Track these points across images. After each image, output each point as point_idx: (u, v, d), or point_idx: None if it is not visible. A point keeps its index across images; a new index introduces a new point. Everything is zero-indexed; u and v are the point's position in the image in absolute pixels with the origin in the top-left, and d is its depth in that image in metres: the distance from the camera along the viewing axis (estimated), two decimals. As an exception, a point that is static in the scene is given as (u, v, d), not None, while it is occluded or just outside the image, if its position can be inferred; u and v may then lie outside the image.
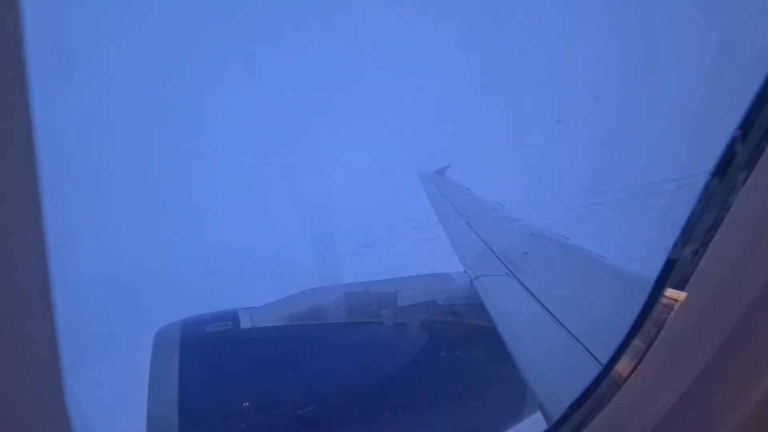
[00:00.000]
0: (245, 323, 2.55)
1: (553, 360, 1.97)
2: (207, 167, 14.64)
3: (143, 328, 2.57)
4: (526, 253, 3.11)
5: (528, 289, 2.59)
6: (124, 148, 13.80)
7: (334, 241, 11.12)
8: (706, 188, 0.92)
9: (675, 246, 0.97)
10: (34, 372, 0.70)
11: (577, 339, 1.98)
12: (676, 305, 0.95)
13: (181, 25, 15.95)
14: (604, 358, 1.14)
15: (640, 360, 1.01)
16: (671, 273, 0.99)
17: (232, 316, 2.58)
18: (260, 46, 16.58)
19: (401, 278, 3.00)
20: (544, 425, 1.42)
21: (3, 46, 0.60)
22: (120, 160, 13.41)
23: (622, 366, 1.06)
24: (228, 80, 16.15)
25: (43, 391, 0.72)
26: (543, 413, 1.62)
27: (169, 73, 15.50)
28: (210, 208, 13.35)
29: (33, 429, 0.72)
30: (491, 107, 16.74)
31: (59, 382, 0.72)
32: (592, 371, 1.18)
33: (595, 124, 14.86)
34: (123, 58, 14.89)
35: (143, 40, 15.11)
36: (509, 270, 2.88)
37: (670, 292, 0.97)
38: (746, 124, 0.88)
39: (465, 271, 3.07)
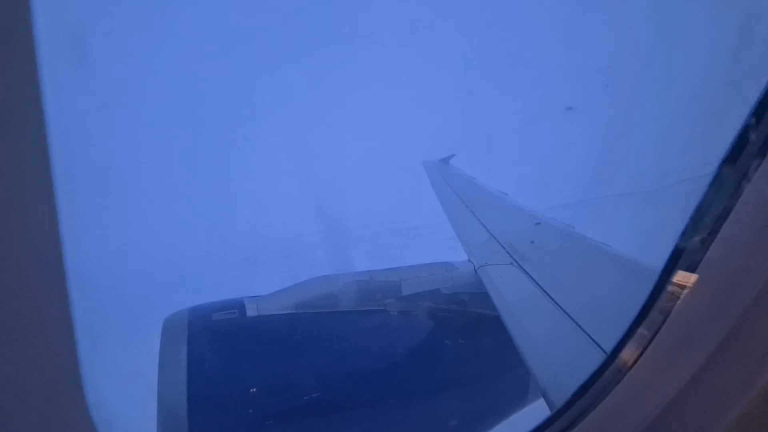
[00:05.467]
0: (251, 311, 2.58)
1: (557, 348, 1.98)
2: (218, 161, 14.67)
3: (154, 315, 2.61)
4: (531, 242, 3.10)
5: (532, 278, 2.59)
6: (138, 138, 13.86)
7: (337, 231, 11.15)
8: (718, 175, 0.91)
9: (684, 233, 0.97)
10: (54, 360, 0.72)
11: (581, 327, 1.98)
12: (684, 292, 0.95)
13: (195, 15, 15.83)
14: (609, 346, 1.14)
15: (645, 348, 1.01)
16: (680, 260, 0.98)
17: (239, 305, 2.61)
18: (271, 36, 16.44)
19: (406, 267, 3.01)
20: (548, 412, 1.43)
21: (14, 36, 0.60)
22: (134, 151, 13.47)
23: (627, 354, 1.06)
24: (237, 73, 16.09)
25: (62, 378, 0.74)
26: (546, 400, 1.63)
27: (180, 63, 15.45)
28: (219, 199, 13.42)
29: (53, 415, 0.74)
30: (498, 94, 16.50)
31: (77, 369, 0.74)
32: (597, 359, 1.19)
33: (606, 112, 14.61)
34: (138, 46, 14.83)
35: (158, 27, 15.02)
36: (513, 259, 2.88)
37: (679, 276, 0.96)
38: (759, 112, 0.86)
39: (469, 260, 3.08)
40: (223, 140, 15.19)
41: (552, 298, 2.31)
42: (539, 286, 2.48)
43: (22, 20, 0.60)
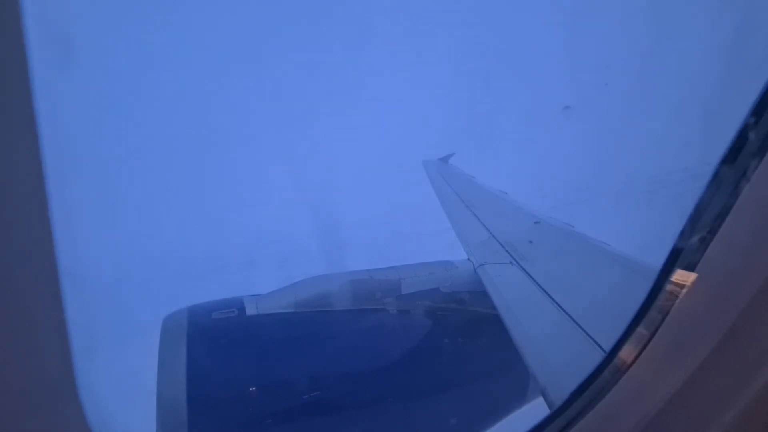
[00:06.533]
0: (251, 310, 2.58)
1: (556, 347, 1.98)
2: (213, 160, 14.62)
3: (151, 315, 2.61)
4: (530, 241, 3.10)
5: (531, 277, 2.59)
6: (129, 139, 13.82)
7: (336, 230, 11.15)
8: (716, 175, 0.91)
9: (683, 231, 0.97)
10: (46, 361, 0.72)
11: (580, 326, 1.98)
12: (683, 291, 0.95)
13: (186, 14, 15.77)
14: (608, 345, 1.14)
15: (644, 347, 1.01)
16: (679, 259, 0.98)
17: (238, 303, 2.61)
18: (265, 36, 16.38)
19: (405, 266, 3.01)
20: (547, 411, 1.43)
21: (4, 38, 0.59)
22: (126, 151, 13.44)
23: (626, 353, 1.06)
24: (232, 73, 16.03)
25: (55, 380, 0.73)
26: (545, 399, 1.63)
27: (175, 63, 15.39)
28: (214, 199, 13.39)
29: (46, 417, 0.74)
30: (497, 93, 16.49)
31: (71, 370, 0.74)
32: (596, 358, 1.19)
33: (604, 111, 14.61)
34: (128, 46, 14.78)
35: (149, 28, 14.96)
36: (513, 258, 2.88)
37: (678, 275, 0.96)
38: (758, 111, 0.86)
39: (469, 259, 3.08)
40: (221, 141, 15.16)
41: (551, 297, 2.31)
42: (538, 284, 2.48)
43: (11, 20, 0.59)
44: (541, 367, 1.83)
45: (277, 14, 16.82)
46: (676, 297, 0.96)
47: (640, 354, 1.02)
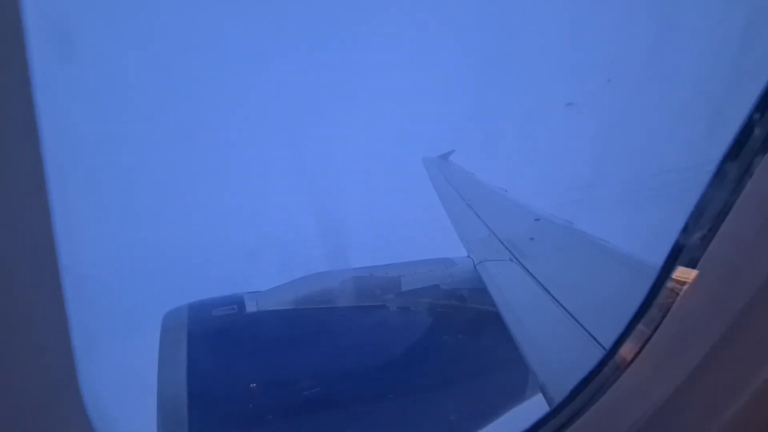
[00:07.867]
0: (251, 307, 2.58)
1: (555, 344, 1.98)
2: (213, 157, 14.57)
3: (150, 312, 2.61)
4: (531, 239, 3.09)
5: (531, 274, 2.59)
6: (132, 136, 13.77)
7: (337, 227, 11.15)
8: (719, 171, 0.90)
9: (685, 228, 0.96)
10: (48, 359, 0.72)
11: (580, 324, 1.98)
12: (683, 288, 0.95)
13: (188, 10, 15.68)
14: (608, 342, 1.14)
15: (644, 344, 1.01)
16: (680, 256, 0.98)
17: (238, 300, 2.61)
18: (267, 34, 16.30)
19: (405, 263, 3.01)
20: (546, 408, 1.43)
21: (4, 35, 0.59)
22: (128, 149, 13.40)
23: (626, 350, 1.06)
24: (235, 70, 15.96)
25: (56, 378, 0.73)
26: (545, 396, 1.63)
27: (177, 61, 15.31)
28: (215, 196, 13.36)
29: (48, 415, 0.74)
30: (499, 89, 16.41)
31: (72, 368, 0.74)
32: (596, 355, 1.19)
33: (607, 108, 14.55)
34: (129, 40, 14.70)
35: (151, 23, 14.89)
36: (513, 255, 2.87)
37: (679, 272, 0.96)
38: (762, 107, 0.86)
39: (468, 256, 3.07)
40: (222, 138, 15.11)
41: (551, 294, 2.31)
42: (538, 282, 2.48)
43: (11, 16, 0.59)
44: (540, 364, 1.83)
45: (278, 12, 16.73)
46: (677, 294, 0.96)
47: (640, 351, 1.02)
